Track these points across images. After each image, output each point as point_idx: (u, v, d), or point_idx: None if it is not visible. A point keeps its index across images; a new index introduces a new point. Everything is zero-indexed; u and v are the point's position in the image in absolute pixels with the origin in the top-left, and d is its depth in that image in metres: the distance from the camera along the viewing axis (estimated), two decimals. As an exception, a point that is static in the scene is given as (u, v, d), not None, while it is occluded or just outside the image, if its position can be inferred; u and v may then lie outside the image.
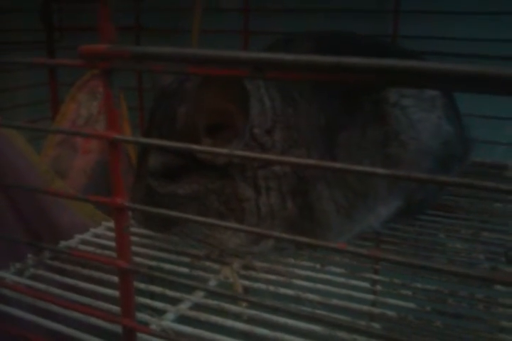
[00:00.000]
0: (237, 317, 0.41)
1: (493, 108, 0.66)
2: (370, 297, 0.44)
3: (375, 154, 0.52)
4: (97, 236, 0.57)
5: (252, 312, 0.41)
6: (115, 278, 0.47)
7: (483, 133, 0.64)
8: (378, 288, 0.46)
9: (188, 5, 0.83)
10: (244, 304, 0.42)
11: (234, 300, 0.42)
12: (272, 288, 0.45)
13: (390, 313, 0.42)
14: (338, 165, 0.27)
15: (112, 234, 0.57)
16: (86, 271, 0.49)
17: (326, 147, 0.49)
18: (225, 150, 0.31)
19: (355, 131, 0.51)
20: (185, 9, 0.84)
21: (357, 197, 0.51)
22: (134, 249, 0.53)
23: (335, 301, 0.43)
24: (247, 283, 0.47)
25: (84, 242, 0.56)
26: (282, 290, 0.45)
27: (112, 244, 0.54)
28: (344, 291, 0.45)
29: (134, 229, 0.57)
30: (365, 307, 0.42)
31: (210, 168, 0.46)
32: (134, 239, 0.55)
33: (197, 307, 0.42)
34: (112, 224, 0.59)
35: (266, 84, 0.48)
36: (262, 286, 0.46)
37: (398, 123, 0.53)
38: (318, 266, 0.50)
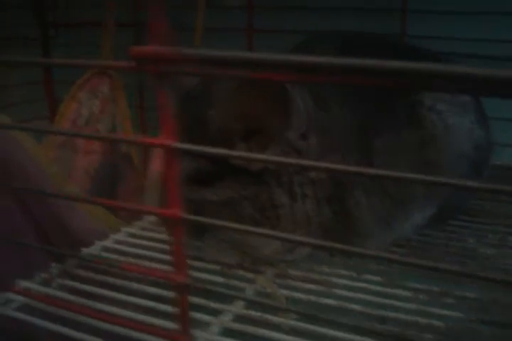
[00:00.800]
0: (283, 329, 0.39)
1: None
2: (413, 306, 0.43)
3: (411, 159, 0.50)
4: (118, 242, 0.55)
5: (298, 323, 0.39)
6: (147, 288, 0.45)
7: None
8: (420, 296, 0.45)
9: (191, 2, 0.82)
10: (289, 315, 0.40)
11: (277, 310, 0.41)
12: (312, 297, 0.44)
13: (437, 323, 0.41)
14: (379, 171, 0.26)
15: (135, 241, 0.55)
16: (112, 280, 0.47)
17: (361, 152, 0.48)
18: (263, 156, 0.29)
19: (391, 135, 0.49)
20: (188, 6, 0.82)
21: (394, 203, 0.49)
22: (162, 256, 0.51)
23: (381, 312, 0.41)
24: (285, 292, 0.45)
25: (106, 249, 0.54)
26: (324, 300, 0.43)
27: (138, 251, 0.52)
28: (386, 301, 0.43)
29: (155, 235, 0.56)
30: (411, 318, 0.41)
31: (244, 173, 0.45)
32: (162, 245, 0.53)
33: (239, 318, 0.40)
34: (134, 229, 0.58)
35: (299, 86, 0.47)
36: (302, 296, 0.44)
37: (434, 127, 0.51)
38: (354, 274, 0.48)
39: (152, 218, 0.60)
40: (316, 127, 0.46)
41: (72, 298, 0.43)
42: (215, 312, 0.41)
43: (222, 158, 0.44)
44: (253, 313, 0.40)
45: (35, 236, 0.61)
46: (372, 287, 0.46)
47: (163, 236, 0.56)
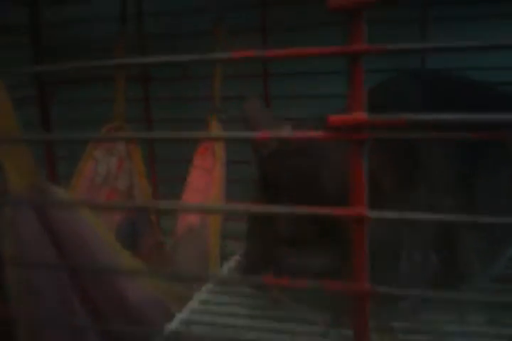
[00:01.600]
0: None
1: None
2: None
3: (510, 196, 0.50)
4: (196, 312, 0.52)
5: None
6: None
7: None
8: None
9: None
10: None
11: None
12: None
13: None
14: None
15: (212, 308, 0.52)
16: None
17: (466, 196, 0.47)
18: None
19: (489, 176, 0.49)
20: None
21: (495, 242, 0.48)
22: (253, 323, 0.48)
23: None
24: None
25: (189, 322, 0.50)
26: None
27: (225, 319, 0.49)
28: None
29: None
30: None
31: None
32: (245, 310, 0.50)
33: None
34: (203, 296, 0.54)
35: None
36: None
37: None
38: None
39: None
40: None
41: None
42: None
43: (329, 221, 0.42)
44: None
45: (88, 317, 0.57)
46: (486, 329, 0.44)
47: (239, 300, 0.53)
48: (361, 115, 0.25)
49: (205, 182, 0.77)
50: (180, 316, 0.51)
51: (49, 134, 0.77)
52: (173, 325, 0.49)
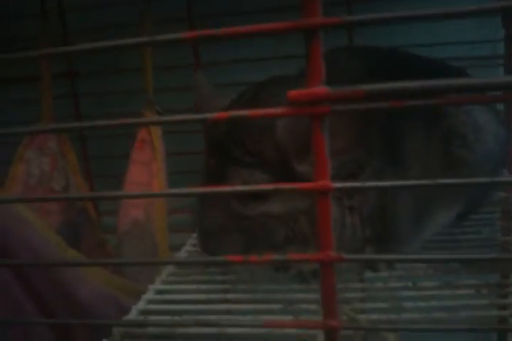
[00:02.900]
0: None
1: None
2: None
3: (440, 156, 0.52)
4: (153, 302, 0.51)
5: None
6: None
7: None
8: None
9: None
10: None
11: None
12: (392, 315, 0.44)
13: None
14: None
15: (168, 297, 0.52)
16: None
17: (394, 155, 0.49)
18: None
19: (420, 135, 0.51)
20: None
21: (425, 205, 0.51)
22: (216, 307, 0.48)
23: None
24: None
25: (147, 312, 0.49)
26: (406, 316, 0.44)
27: (182, 307, 0.49)
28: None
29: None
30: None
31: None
32: (202, 295, 0.51)
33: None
34: (158, 286, 0.54)
35: None
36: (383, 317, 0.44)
37: (464, 125, 0.54)
38: (409, 284, 0.49)
39: (170, 269, 0.57)
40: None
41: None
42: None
43: (286, 168, 0.43)
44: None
45: (35, 312, 0.55)
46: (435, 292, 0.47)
47: (196, 287, 0.53)
48: (321, 89, 0.26)
49: (146, 176, 0.76)
50: (137, 307, 0.50)
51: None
52: (130, 316, 0.49)
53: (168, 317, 0.48)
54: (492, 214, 0.62)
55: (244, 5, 0.83)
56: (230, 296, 0.51)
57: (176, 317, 0.48)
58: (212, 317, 0.47)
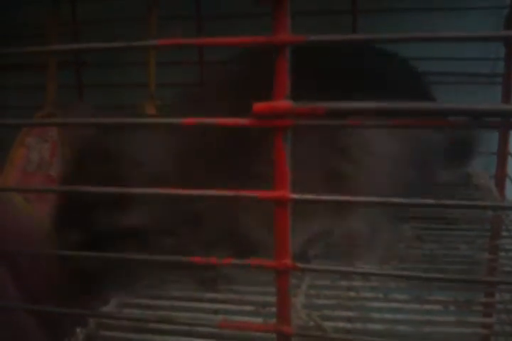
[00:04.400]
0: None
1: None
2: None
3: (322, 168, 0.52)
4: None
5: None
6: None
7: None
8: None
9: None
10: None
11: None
12: (358, 325, 0.45)
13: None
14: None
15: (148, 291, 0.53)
16: (141, 336, 0.45)
17: None
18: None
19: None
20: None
21: None
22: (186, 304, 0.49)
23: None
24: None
25: (126, 305, 0.50)
26: (371, 326, 0.45)
27: (159, 302, 0.50)
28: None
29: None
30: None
31: None
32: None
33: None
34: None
35: None
36: (343, 324, 0.45)
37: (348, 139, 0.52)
38: (380, 295, 0.50)
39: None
40: None
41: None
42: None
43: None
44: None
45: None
46: (406, 306, 0.48)
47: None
48: (284, 103, 0.26)
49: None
50: (116, 299, 0.51)
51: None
52: (108, 308, 0.50)
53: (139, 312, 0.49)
54: (472, 231, 0.62)
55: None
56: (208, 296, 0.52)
57: (149, 312, 0.49)
58: (186, 315, 0.48)
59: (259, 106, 0.27)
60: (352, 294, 0.50)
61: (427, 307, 0.47)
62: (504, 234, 0.62)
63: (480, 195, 0.70)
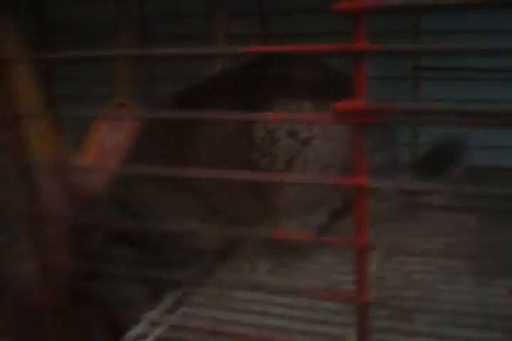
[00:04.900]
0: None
1: None
2: None
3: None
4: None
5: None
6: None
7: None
8: None
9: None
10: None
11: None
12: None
13: None
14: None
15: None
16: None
17: None
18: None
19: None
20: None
21: None
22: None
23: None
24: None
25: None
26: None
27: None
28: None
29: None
30: None
31: None
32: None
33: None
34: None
35: None
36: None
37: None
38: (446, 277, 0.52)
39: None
40: None
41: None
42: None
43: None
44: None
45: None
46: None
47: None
48: (364, 103, 0.30)
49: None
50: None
51: (64, 110, 0.81)
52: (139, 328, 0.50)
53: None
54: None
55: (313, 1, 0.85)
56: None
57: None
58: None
59: (341, 104, 0.30)
60: (418, 276, 0.53)
61: (492, 290, 0.50)
62: None
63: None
